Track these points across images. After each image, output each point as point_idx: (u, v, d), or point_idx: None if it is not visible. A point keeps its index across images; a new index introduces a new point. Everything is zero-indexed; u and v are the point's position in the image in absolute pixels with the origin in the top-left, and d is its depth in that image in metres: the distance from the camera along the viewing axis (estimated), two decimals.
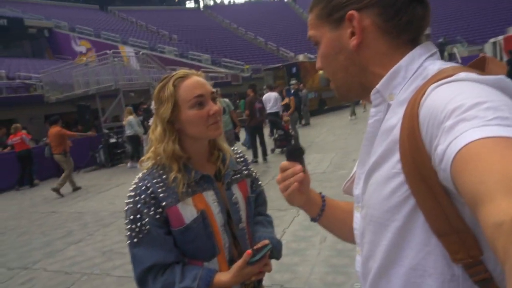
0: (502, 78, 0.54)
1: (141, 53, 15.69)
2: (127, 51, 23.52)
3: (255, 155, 8.44)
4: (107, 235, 4.99)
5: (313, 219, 0.96)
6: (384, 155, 0.65)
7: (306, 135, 11.48)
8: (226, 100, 7.84)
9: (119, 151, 11.93)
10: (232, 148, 1.37)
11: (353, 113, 13.67)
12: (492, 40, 18.69)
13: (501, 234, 0.33)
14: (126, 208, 1.13)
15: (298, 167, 0.85)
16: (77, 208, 6.91)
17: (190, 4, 56.78)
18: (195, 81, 1.15)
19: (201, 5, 54.77)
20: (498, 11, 27.10)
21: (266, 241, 1.18)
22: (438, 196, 0.57)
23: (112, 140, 11.92)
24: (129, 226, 1.10)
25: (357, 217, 0.77)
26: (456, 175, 0.46)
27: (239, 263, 1.09)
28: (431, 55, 0.68)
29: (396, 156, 0.62)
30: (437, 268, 0.60)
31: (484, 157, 0.42)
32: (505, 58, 13.92)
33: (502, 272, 0.54)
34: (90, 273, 3.92)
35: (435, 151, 0.51)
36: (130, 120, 10.15)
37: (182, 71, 1.19)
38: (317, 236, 3.96)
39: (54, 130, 8.48)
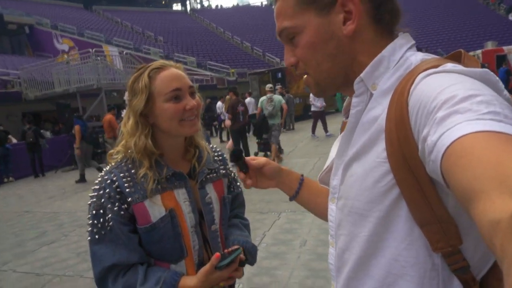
0: (486, 71, 0.54)
1: (124, 52, 15.45)
2: (111, 50, 23.14)
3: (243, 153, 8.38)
4: (83, 236, 4.82)
5: (290, 199, 1.05)
6: (367, 144, 0.64)
7: (290, 140, 11.49)
8: (279, 96, 8.62)
9: (99, 150, 11.66)
10: (211, 145, 1.32)
11: None
12: (471, 53, 19.26)
13: (498, 232, 0.33)
14: (89, 202, 1.06)
15: (241, 175, 1.02)
16: (53, 208, 6.69)
17: (177, 7, 56.55)
18: (173, 74, 1.08)
19: (188, 8, 54.65)
20: (477, 26, 28.03)
21: (236, 246, 1.13)
22: (423, 186, 0.56)
23: None
24: (91, 222, 1.03)
25: (332, 209, 0.76)
26: (448, 168, 0.44)
27: (206, 267, 1.04)
28: (411, 47, 0.68)
29: (381, 145, 0.61)
30: (419, 258, 0.60)
31: (477, 152, 0.41)
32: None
33: (479, 261, 0.60)
34: (62, 275, 3.77)
35: (425, 142, 0.50)
36: None
37: (159, 61, 1.12)
38: (297, 240, 3.94)
39: (107, 117, 9.62)
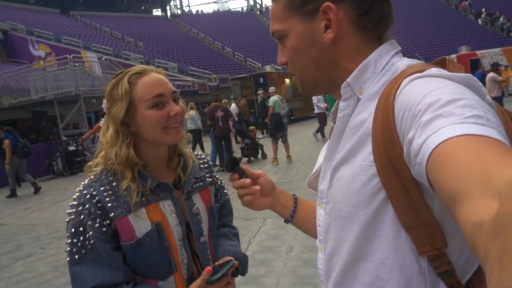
0: (469, 76, 0.55)
1: (103, 58, 15.16)
2: (89, 56, 22.71)
3: (222, 163, 8.31)
4: (62, 248, 4.63)
5: (286, 221, 0.98)
6: (354, 148, 0.65)
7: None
8: (275, 97, 8.89)
9: (78, 159, 11.37)
10: (196, 153, 1.28)
11: None
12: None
13: (481, 234, 0.32)
14: (67, 220, 0.99)
15: (246, 180, 0.91)
16: (29, 220, 6.44)
17: (157, 12, 56.20)
18: (154, 79, 1.02)
19: (168, 13, 54.34)
20: (451, 31, 28.99)
21: (228, 258, 1.09)
22: (409, 189, 0.57)
23: (71, 148, 11.36)
24: (70, 241, 0.96)
25: (321, 214, 0.76)
26: (433, 171, 0.45)
27: (197, 282, 0.99)
28: (397, 52, 0.70)
29: (368, 149, 0.62)
30: (406, 261, 0.60)
31: (462, 155, 0.41)
32: None
33: (464, 265, 0.61)
34: None
35: (410, 145, 0.51)
36: (191, 114, 10.25)
37: (139, 66, 1.06)
38: (283, 246, 3.91)
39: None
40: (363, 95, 0.67)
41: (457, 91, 0.51)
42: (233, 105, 13.52)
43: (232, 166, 0.94)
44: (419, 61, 0.67)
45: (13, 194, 8.74)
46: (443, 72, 0.57)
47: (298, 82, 0.76)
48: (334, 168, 0.70)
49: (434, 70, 0.58)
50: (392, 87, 0.60)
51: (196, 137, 10.70)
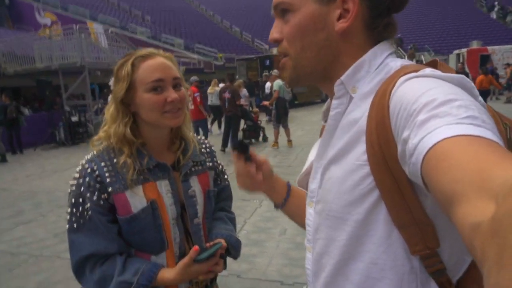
0: (462, 77, 0.56)
1: (110, 31, 15.00)
2: (95, 27, 22.44)
3: (224, 144, 8.36)
4: (61, 216, 4.75)
5: (276, 206, 0.98)
6: (346, 147, 0.65)
7: None
8: (280, 82, 8.33)
9: (81, 130, 11.45)
10: (199, 137, 1.31)
11: None
12: (456, 51, 19.62)
13: (479, 235, 0.33)
14: (69, 191, 1.05)
15: (252, 169, 0.90)
16: (30, 187, 6.56)
17: None
18: (158, 63, 1.05)
19: None
20: (463, 25, 28.38)
21: (218, 240, 1.14)
22: (402, 188, 0.57)
23: (74, 119, 11.43)
24: (69, 210, 1.03)
25: (310, 213, 0.76)
26: (428, 171, 0.45)
27: (184, 260, 1.03)
28: (392, 53, 0.69)
29: (361, 148, 0.61)
30: (397, 261, 0.61)
31: (458, 156, 0.41)
32: (467, 70, 14.62)
33: (455, 264, 0.61)
34: (38, 255, 3.73)
35: (405, 144, 0.51)
36: (217, 90, 10.26)
37: (146, 49, 1.09)
38: (277, 228, 4.00)
39: None
40: (356, 94, 0.66)
41: (452, 92, 0.51)
42: (268, 84, 13.38)
43: (241, 149, 0.92)
44: (412, 62, 0.68)
45: (3, 159, 9.16)
46: (438, 72, 0.58)
47: (291, 65, 0.71)
48: (325, 167, 0.69)
49: (428, 70, 0.59)
50: (388, 85, 0.60)
51: (217, 114, 10.70)
